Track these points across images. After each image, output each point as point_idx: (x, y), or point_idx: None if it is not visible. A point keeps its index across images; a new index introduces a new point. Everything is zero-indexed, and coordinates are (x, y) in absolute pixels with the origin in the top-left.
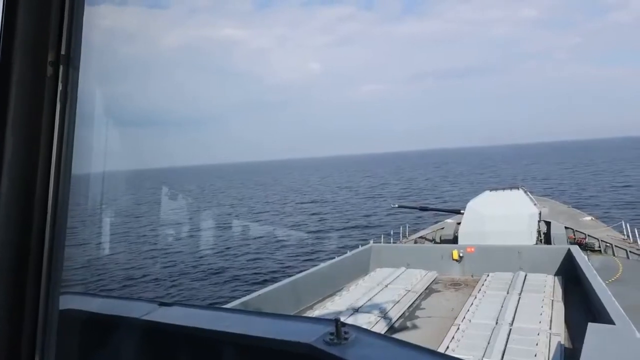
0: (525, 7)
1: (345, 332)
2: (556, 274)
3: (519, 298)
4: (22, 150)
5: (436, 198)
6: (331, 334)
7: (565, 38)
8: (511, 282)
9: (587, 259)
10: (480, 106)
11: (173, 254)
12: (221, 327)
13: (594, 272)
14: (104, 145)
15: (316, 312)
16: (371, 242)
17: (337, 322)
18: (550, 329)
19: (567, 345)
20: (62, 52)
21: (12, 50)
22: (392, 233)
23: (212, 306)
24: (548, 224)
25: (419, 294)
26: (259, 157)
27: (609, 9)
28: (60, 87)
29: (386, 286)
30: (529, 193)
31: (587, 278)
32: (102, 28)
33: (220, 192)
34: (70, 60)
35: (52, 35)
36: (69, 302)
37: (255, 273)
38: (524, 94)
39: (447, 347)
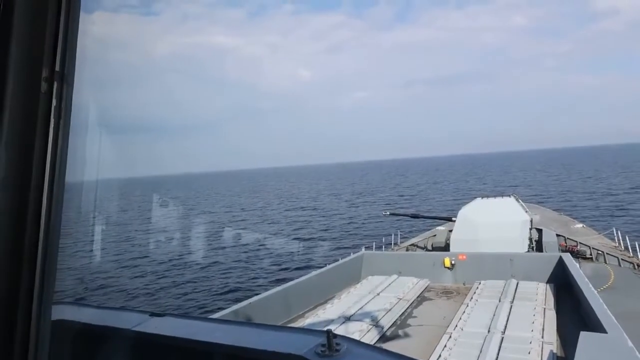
0: (516, 15)
1: (337, 344)
2: (548, 282)
3: (511, 306)
4: (16, 166)
5: (422, 202)
6: (322, 345)
7: (556, 46)
8: (503, 290)
9: (578, 266)
10: (472, 114)
11: (164, 263)
12: (212, 338)
13: (586, 280)
14: (97, 157)
15: (308, 321)
16: (363, 249)
17: (328, 334)
18: (542, 337)
19: (559, 354)
20: (57, 69)
21: (6, 66)
22: (383, 240)
23: (203, 317)
24: (539, 231)
25: (410, 302)
26: (254, 165)
27: (599, 17)
28: (54, 103)
29: (378, 294)
30: (520, 200)
31: (579, 286)
32: (96, 42)
33: (211, 199)
34: (64, 77)
35: (47, 52)
36: (61, 312)
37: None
38: (515, 101)
39: (440, 356)
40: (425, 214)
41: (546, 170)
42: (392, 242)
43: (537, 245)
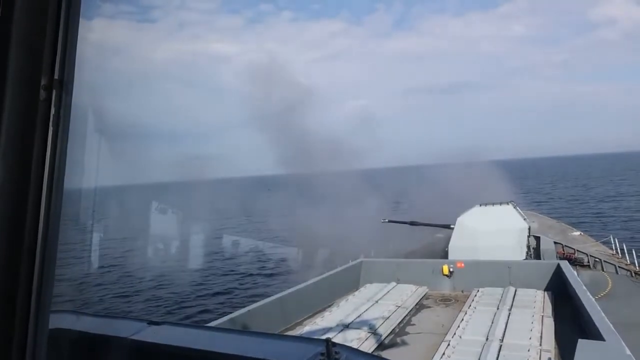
0: (515, 24)
1: (336, 352)
2: (546, 289)
3: (509, 314)
4: (14, 173)
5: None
6: (322, 354)
7: (554, 54)
8: (501, 297)
9: (576, 274)
10: (470, 121)
11: (162, 271)
12: (211, 347)
13: (584, 287)
14: (96, 164)
15: (306, 329)
16: (361, 256)
17: (327, 342)
18: (540, 345)
19: None
20: (56, 77)
21: (5, 74)
22: (382, 248)
23: (202, 325)
24: (537, 238)
25: (409, 309)
26: (247, 173)
27: (596, 27)
28: (53, 111)
29: (376, 302)
30: (518, 208)
31: (576, 293)
32: (95, 50)
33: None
34: (63, 84)
35: (46, 59)
36: (59, 320)
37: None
38: (513, 110)
39: None
40: (424, 222)
41: (544, 178)
42: (391, 249)
43: (535, 252)
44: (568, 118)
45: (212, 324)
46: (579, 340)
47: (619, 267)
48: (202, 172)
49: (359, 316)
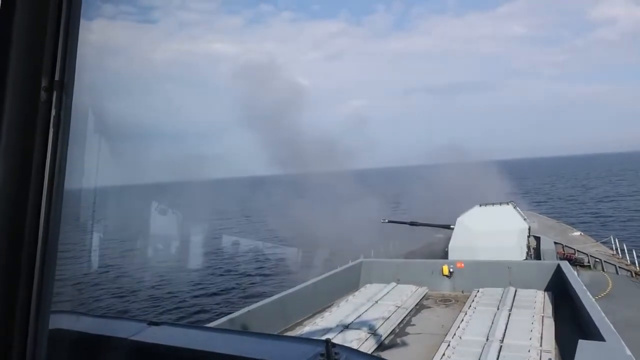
0: (515, 24)
1: (336, 353)
2: (546, 290)
3: (509, 314)
4: (15, 174)
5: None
6: (321, 354)
7: (554, 55)
8: (501, 298)
9: (576, 274)
10: (470, 121)
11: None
12: (211, 348)
13: (584, 287)
14: (96, 165)
15: (306, 329)
16: (361, 257)
17: (327, 343)
18: (540, 345)
19: None
20: (56, 78)
21: (6, 76)
22: (382, 248)
23: (201, 326)
24: (537, 239)
25: (409, 310)
26: (250, 173)
27: (595, 26)
28: (53, 113)
29: (376, 302)
30: (518, 208)
31: (577, 294)
32: (95, 51)
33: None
34: (64, 86)
35: (46, 61)
36: (59, 321)
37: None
38: (513, 110)
39: None
40: (424, 222)
41: (544, 178)
42: (391, 250)
43: (535, 252)
44: (568, 118)
45: (212, 324)
46: (579, 340)
47: (619, 267)
48: (200, 172)
49: (358, 316)
